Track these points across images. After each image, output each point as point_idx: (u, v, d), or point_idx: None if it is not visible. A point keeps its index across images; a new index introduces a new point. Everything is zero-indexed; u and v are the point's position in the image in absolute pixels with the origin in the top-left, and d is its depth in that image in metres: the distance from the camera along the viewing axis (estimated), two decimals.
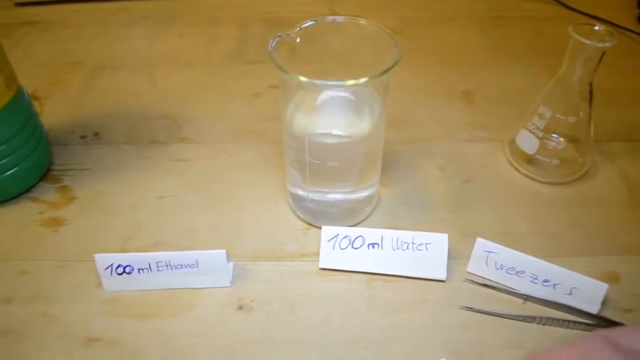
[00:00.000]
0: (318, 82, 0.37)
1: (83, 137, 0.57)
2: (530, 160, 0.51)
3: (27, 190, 0.51)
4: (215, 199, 0.50)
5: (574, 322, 0.40)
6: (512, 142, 0.53)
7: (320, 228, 0.46)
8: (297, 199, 0.47)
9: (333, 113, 0.43)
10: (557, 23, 0.75)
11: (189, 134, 0.58)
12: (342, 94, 0.43)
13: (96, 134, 0.57)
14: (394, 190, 0.51)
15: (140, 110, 0.61)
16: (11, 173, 0.48)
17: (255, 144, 0.56)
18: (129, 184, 0.52)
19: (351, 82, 0.37)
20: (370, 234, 0.44)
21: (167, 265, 0.42)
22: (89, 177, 0.53)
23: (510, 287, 0.43)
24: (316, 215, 0.47)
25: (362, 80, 0.37)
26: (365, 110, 0.43)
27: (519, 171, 0.52)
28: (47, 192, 0.51)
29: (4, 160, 0.47)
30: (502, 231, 0.47)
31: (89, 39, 0.74)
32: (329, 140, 0.42)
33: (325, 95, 0.43)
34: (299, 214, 0.48)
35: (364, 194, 0.46)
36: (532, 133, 0.50)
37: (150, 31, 0.75)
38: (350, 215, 0.47)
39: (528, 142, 0.50)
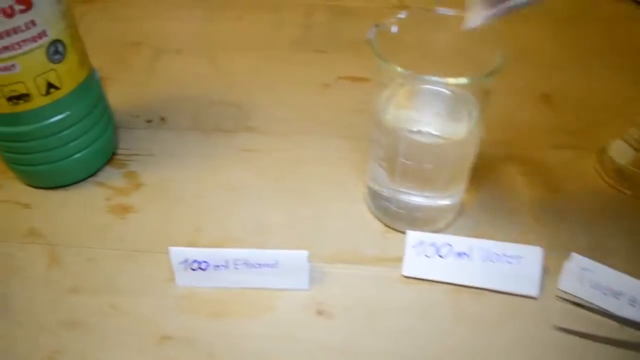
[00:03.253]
0: (418, 75, 0.35)
1: (149, 121, 0.55)
2: (622, 172, 0.48)
3: (93, 175, 0.49)
4: (286, 194, 0.48)
5: None
6: (602, 151, 0.50)
7: (399, 231, 0.44)
8: (377, 198, 0.44)
9: (431, 111, 0.41)
10: (636, 25, 0.71)
11: (255, 123, 0.55)
12: (443, 90, 0.40)
13: (162, 119, 0.55)
14: (475, 196, 0.48)
15: (205, 96, 0.59)
16: (80, 155, 0.47)
17: (327, 138, 0.53)
18: (196, 172, 0.50)
19: (452, 80, 0.35)
20: (458, 242, 0.41)
21: (245, 264, 0.40)
22: (154, 163, 0.51)
23: (606, 309, 0.40)
24: (396, 218, 0.44)
25: (463, 80, 0.35)
26: (464, 111, 0.40)
27: (608, 183, 0.49)
28: (114, 178, 0.49)
29: (74, 142, 0.46)
30: (591, 246, 0.44)
31: (147, 19, 0.72)
32: (425, 140, 0.40)
33: (423, 91, 0.40)
34: (377, 214, 0.46)
35: (451, 199, 0.44)
36: (629, 144, 0.47)
37: (207, 13, 0.73)
38: (431, 220, 0.45)
39: (623, 154, 0.47)
